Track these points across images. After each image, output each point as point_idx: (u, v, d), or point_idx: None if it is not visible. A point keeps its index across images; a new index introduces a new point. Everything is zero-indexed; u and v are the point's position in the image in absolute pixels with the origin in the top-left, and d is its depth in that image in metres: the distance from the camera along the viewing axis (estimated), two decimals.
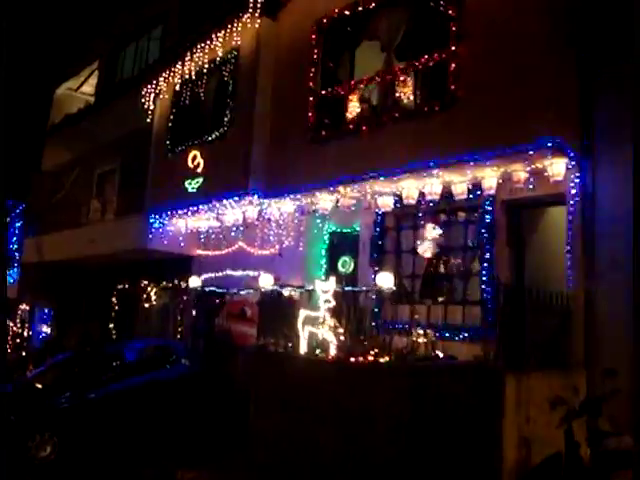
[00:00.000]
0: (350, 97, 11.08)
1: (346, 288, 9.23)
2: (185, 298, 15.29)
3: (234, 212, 13.07)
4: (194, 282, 12.14)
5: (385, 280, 8.45)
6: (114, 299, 18.44)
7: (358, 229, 12.15)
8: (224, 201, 12.51)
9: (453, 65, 9.54)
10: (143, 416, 11.21)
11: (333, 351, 8.40)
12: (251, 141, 12.10)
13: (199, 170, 13.27)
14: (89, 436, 10.68)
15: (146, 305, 17.03)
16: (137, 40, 18.44)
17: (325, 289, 8.63)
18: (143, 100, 15.41)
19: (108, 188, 19.20)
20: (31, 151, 23.33)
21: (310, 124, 11.48)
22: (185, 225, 14.39)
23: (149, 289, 16.94)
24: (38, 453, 10.15)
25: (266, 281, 10.11)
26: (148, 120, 15.38)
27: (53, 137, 22.66)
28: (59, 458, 10.28)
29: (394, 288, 8.82)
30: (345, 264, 12.33)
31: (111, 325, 18.49)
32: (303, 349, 8.80)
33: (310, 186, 11.16)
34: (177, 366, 12.17)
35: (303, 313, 8.79)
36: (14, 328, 23.97)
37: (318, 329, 8.57)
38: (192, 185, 13.38)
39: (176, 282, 15.82)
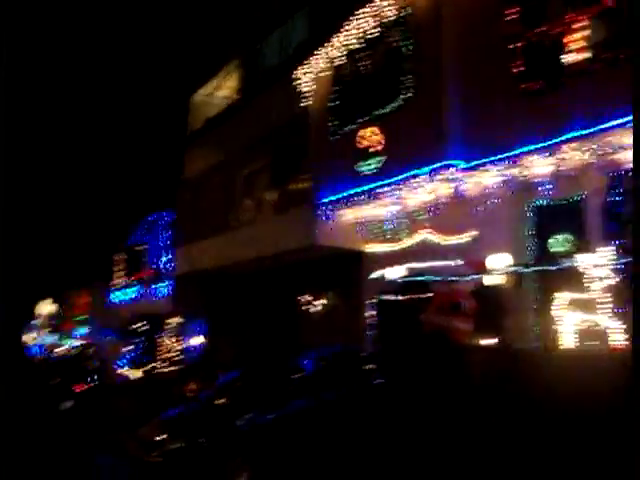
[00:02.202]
0: (571, 35, 9.04)
1: None
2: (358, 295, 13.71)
3: (420, 193, 11.29)
4: (396, 272, 10.47)
5: None
6: (273, 305, 17.21)
7: (578, 199, 10.05)
8: (412, 179, 10.75)
9: None
10: (342, 440, 9.57)
11: (618, 342, 6.39)
12: (443, 104, 10.32)
13: (375, 148, 11.62)
14: (279, 462, 9.16)
15: (311, 309, 15.62)
16: (280, 26, 17.19)
17: (599, 263, 6.64)
18: (298, 83, 14.03)
19: (258, 187, 18.06)
20: (173, 161, 22.85)
21: (518, 74, 9.54)
22: (356, 215, 12.78)
23: (314, 291, 15.51)
24: (235, 479, 8.74)
25: (499, 262, 8.22)
26: (305, 104, 13.97)
27: (193, 145, 22.04)
28: None
29: None
30: (561, 243, 10.23)
31: (271, 333, 17.29)
32: (567, 342, 6.85)
33: (525, 147, 9.20)
34: (373, 376, 10.48)
35: (566, 296, 6.83)
36: (167, 342, 23.50)
37: (591, 315, 6.59)
38: (368, 166, 11.76)
39: (347, 281, 14.28)
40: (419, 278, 10.24)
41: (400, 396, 9.67)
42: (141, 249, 26.50)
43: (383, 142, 11.47)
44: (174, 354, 22.83)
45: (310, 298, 15.47)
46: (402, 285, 10.55)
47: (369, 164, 11.70)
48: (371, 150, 11.68)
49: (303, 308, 15.81)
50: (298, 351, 13.10)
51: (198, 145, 21.50)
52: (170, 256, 21.18)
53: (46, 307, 53.51)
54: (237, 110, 19.26)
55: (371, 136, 11.72)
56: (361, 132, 11.97)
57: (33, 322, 59.74)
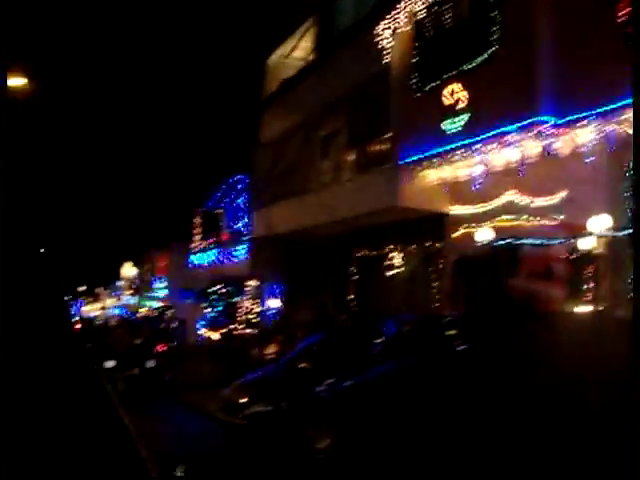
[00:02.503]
0: None
1: None
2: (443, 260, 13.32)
3: (507, 151, 10.71)
4: (483, 235, 10.02)
5: None
6: (351, 268, 17.02)
7: None
8: (499, 137, 10.19)
9: None
10: (424, 406, 9.31)
11: None
12: (535, 56, 9.63)
13: (460, 105, 11.09)
14: (362, 427, 8.97)
15: (390, 273, 15.32)
16: None
17: None
18: (378, 40, 13.55)
19: (335, 149, 17.77)
20: (250, 123, 22.81)
21: (621, 17, 8.76)
22: (440, 175, 12.32)
23: (393, 254, 15.18)
24: (318, 444, 8.62)
25: (595, 225, 7.66)
26: (385, 61, 13.49)
27: (270, 107, 21.86)
28: (336, 451, 8.68)
29: None
30: None
31: (349, 297, 17.14)
32: None
33: (627, 99, 8.47)
34: (456, 342, 10.12)
35: None
36: (245, 304, 23.78)
37: None
38: (452, 125, 11.25)
39: (427, 244, 13.90)
40: (508, 241, 9.74)
41: (484, 363, 9.29)
42: (219, 212, 26.78)
43: (469, 98, 10.92)
44: (252, 316, 23.10)
45: (391, 261, 15.15)
46: (490, 248, 10.07)
47: (454, 122, 11.19)
48: (456, 107, 11.15)
49: (383, 272, 15.52)
50: (379, 316, 12.89)
51: (275, 107, 21.32)
52: (248, 219, 21.26)
53: (128, 269, 55.35)
54: (313, 70, 18.91)
55: (456, 92, 11.18)
56: (446, 88, 11.43)
57: (117, 284, 61.96)
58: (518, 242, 9.53)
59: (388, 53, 13.45)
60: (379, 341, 9.89)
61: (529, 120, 9.54)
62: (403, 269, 14.88)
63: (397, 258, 15.04)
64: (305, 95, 18.86)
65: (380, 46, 13.59)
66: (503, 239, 9.94)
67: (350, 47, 16.20)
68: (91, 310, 69.60)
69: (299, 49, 21.90)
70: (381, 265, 15.63)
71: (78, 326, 38.23)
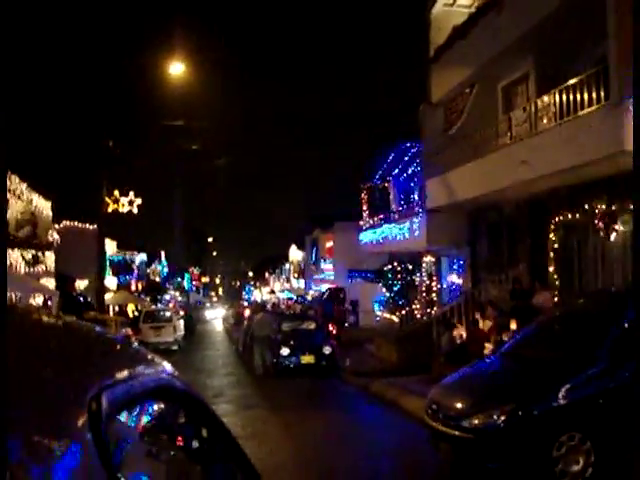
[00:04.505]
0: None
1: None
2: None
3: None
4: None
5: None
6: (551, 235, 14.47)
7: None
8: None
9: None
10: None
11: None
12: None
13: None
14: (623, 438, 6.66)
15: (603, 239, 12.64)
16: None
17: None
18: None
19: (523, 97, 15.31)
20: (418, 82, 20.77)
21: None
22: None
23: (608, 216, 12.45)
24: (567, 468, 6.43)
25: None
26: None
27: (438, 62, 19.60)
28: (596, 475, 6.45)
29: None
30: None
31: (551, 269, 14.62)
32: None
33: None
34: None
35: None
36: (423, 282, 21.88)
37: None
38: None
39: None
40: None
41: None
42: (387, 185, 25.02)
43: None
44: (431, 295, 21.16)
45: (604, 224, 12.48)
46: None
47: None
48: None
49: (594, 237, 12.91)
50: (613, 292, 10.39)
51: (444, 62, 19.04)
52: (421, 189, 19.26)
53: (294, 252, 55.55)
54: (488, 11, 16.38)
55: None
56: None
57: (284, 267, 62.63)
58: None
59: None
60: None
61: None
62: (622, 233, 12.15)
63: (613, 220, 12.31)
64: (479, 42, 16.42)
65: None
66: None
67: None
68: (262, 294, 71.29)
69: None
70: (591, 229, 13.01)
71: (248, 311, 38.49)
